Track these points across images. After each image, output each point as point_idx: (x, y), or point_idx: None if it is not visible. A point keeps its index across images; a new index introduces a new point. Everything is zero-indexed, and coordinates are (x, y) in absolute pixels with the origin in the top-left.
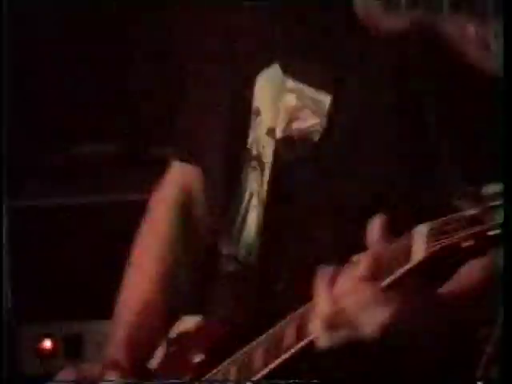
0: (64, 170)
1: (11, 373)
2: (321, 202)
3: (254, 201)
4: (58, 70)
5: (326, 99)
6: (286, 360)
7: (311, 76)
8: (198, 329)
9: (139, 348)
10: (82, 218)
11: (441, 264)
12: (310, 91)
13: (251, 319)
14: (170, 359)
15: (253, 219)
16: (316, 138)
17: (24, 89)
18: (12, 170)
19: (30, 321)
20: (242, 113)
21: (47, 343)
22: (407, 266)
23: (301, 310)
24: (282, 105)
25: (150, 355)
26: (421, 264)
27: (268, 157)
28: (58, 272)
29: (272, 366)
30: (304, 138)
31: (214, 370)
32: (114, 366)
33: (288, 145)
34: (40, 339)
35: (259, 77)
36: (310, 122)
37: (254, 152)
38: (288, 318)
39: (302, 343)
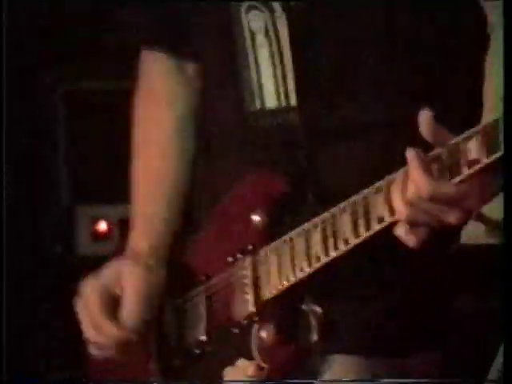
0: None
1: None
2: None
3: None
4: None
5: None
6: (375, 232)
7: None
8: (253, 185)
9: None
10: None
11: None
12: None
13: (303, 170)
14: (227, 217)
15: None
16: None
17: None
18: (64, 54)
19: (86, 203)
20: None
21: (102, 225)
22: None
23: (385, 182)
24: None
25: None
26: None
27: None
28: (114, 155)
29: (362, 238)
30: None
31: (293, 232)
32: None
33: None
34: (95, 221)
35: None
36: None
37: None
38: (371, 188)
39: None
